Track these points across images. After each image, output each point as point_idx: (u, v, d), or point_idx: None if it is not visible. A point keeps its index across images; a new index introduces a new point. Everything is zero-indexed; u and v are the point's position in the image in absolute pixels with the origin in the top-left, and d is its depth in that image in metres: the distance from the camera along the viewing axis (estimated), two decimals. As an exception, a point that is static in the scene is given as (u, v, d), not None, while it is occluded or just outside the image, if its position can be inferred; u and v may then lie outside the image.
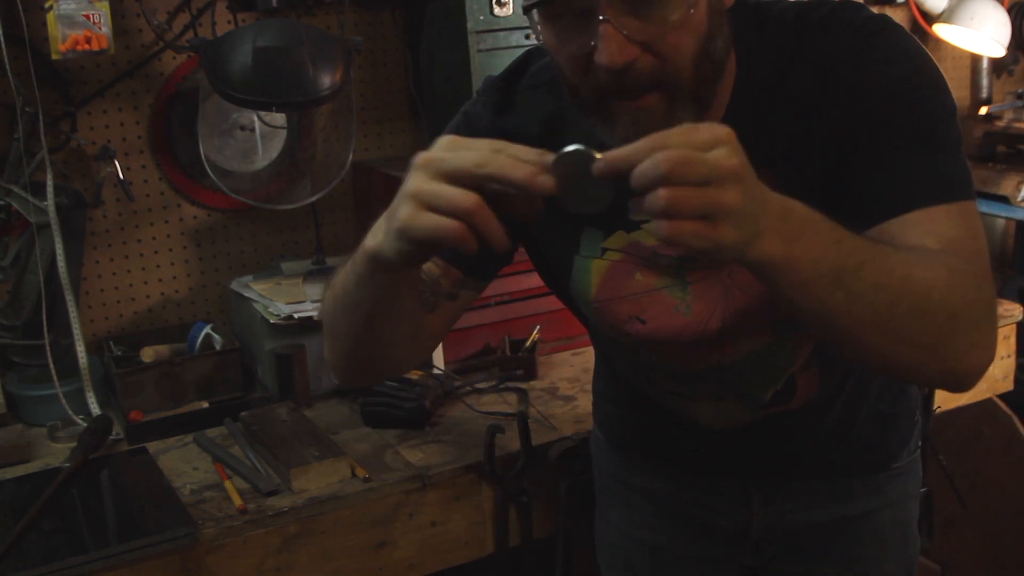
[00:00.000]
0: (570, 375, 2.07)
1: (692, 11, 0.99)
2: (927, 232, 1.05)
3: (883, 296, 0.96)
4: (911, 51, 1.11)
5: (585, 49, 1.00)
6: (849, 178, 1.11)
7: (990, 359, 1.06)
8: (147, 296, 2.24)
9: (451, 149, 0.90)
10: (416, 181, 0.90)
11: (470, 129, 1.23)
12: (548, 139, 1.20)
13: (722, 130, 0.87)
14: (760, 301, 1.18)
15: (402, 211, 0.90)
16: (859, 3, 1.15)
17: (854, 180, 1.10)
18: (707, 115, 1.08)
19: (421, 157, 0.91)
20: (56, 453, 1.85)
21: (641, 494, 1.45)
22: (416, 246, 0.92)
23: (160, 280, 2.25)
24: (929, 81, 1.10)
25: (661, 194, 0.83)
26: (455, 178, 0.88)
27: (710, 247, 0.86)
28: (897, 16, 2.77)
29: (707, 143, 0.85)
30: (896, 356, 1.00)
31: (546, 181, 0.87)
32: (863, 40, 1.10)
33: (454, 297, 1.24)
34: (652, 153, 0.84)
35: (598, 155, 0.87)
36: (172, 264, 2.26)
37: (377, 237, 0.97)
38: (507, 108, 1.23)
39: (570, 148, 0.88)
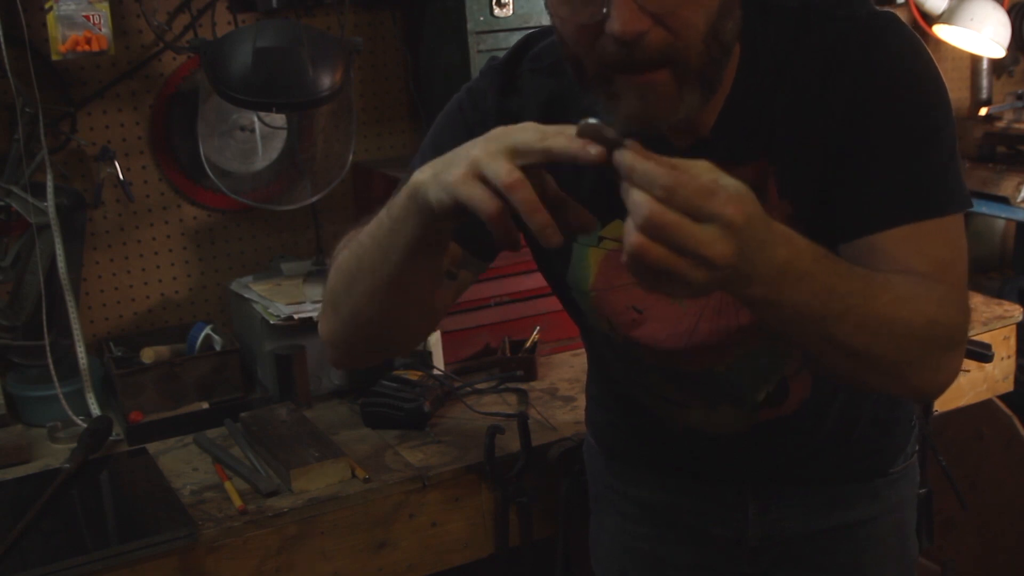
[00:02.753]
0: (570, 376, 2.07)
1: None
2: (916, 252, 1.07)
3: (860, 335, 0.98)
4: (913, 54, 1.10)
5: (596, 17, 0.98)
6: (844, 180, 1.10)
7: (955, 377, 1.09)
8: (147, 297, 2.24)
9: (518, 130, 0.92)
10: (480, 149, 0.92)
11: (474, 105, 1.22)
12: (548, 122, 1.19)
13: (737, 210, 0.83)
14: None
15: (456, 170, 0.92)
16: None
17: (849, 183, 1.10)
18: (712, 99, 1.07)
19: (490, 132, 0.94)
20: (56, 454, 1.85)
21: (635, 503, 1.44)
22: (452, 204, 0.93)
23: (160, 281, 2.25)
24: (930, 87, 1.10)
25: (633, 237, 0.83)
26: (514, 154, 0.90)
27: (673, 286, 0.86)
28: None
29: (707, 213, 0.83)
30: (862, 377, 1.04)
31: (595, 151, 0.87)
32: (867, 37, 1.09)
33: (453, 277, 1.22)
34: (663, 187, 0.82)
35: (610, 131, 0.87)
36: (172, 265, 2.26)
37: (425, 175, 0.98)
38: (510, 90, 1.21)
39: (588, 122, 0.88)
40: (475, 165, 0.91)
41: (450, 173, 0.93)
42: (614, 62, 1.00)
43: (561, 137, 0.90)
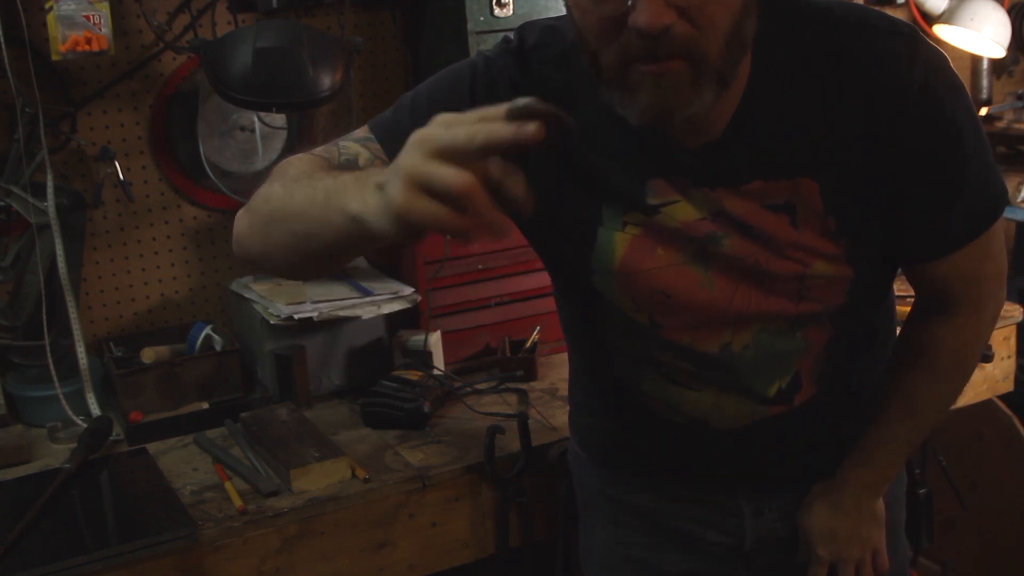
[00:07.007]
0: (570, 376, 2.06)
1: None
2: (956, 272, 1.21)
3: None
4: (949, 73, 1.11)
5: (620, 10, 0.98)
6: (896, 209, 1.14)
7: None
8: (147, 297, 2.24)
9: (445, 126, 0.82)
10: (410, 159, 0.82)
11: (490, 77, 1.19)
12: None
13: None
14: (781, 279, 1.18)
15: (397, 192, 0.82)
16: (882, 12, 1.15)
17: (902, 214, 1.15)
18: (726, 96, 1.07)
19: (415, 135, 0.83)
20: (56, 454, 1.85)
21: (628, 510, 1.42)
22: (411, 230, 0.84)
23: (160, 281, 2.25)
24: (970, 108, 1.13)
25: None
26: (450, 155, 0.80)
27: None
28: (897, 16, 2.76)
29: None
30: None
31: (532, 128, 0.80)
32: (907, 60, 1.09)
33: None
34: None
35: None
36: (172, 265, 2.26)
37: (366, 203, 0.88)
38: (526, 76, 1.19)
39: (517, 103, 0.82)
40: (415, 177, 0.81)
41: (392, 199, 0.82)
42: (634, 54, 1.00)
43: (496, 125, 0.80)
